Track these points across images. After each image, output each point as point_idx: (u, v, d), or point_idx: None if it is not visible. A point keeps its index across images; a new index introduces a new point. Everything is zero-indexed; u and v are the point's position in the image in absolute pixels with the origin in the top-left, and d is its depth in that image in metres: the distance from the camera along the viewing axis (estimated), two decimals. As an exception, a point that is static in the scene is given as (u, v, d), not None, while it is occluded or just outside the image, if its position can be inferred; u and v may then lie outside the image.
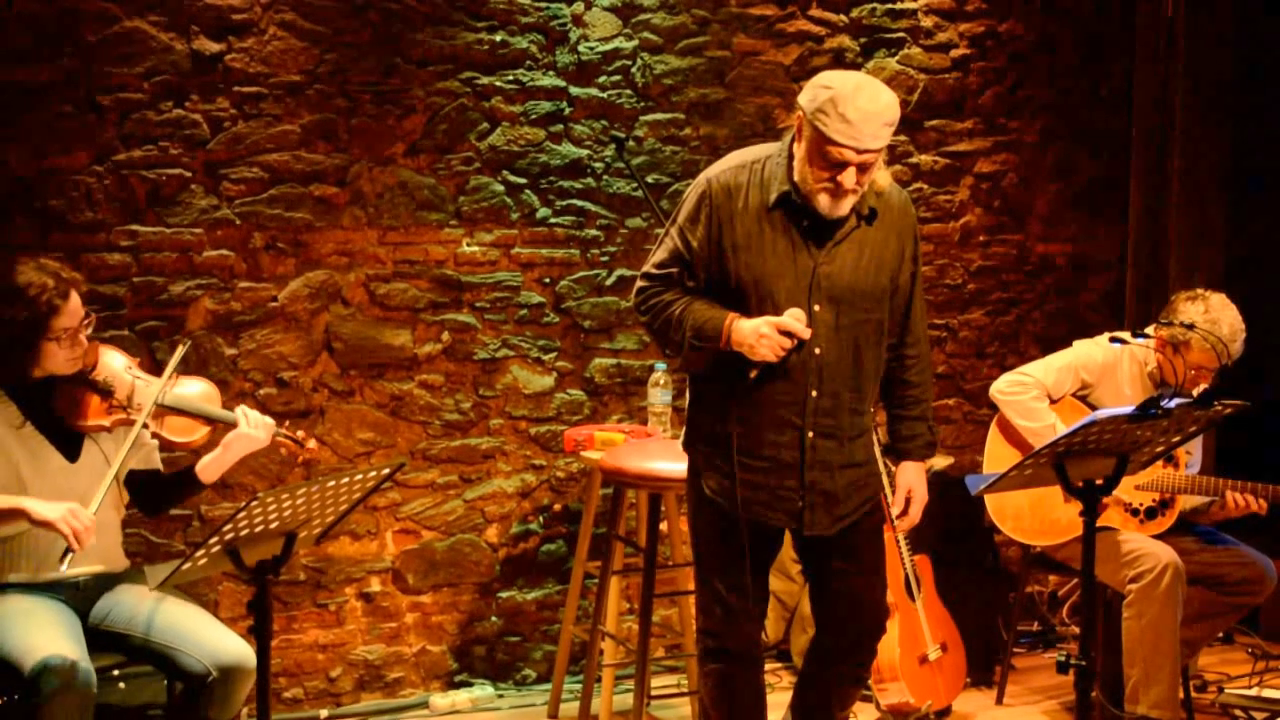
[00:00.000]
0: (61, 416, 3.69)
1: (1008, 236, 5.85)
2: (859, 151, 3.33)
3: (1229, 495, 4.50)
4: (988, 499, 4.75)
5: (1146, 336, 4.40)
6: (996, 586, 5.39)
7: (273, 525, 3.20)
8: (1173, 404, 3.40)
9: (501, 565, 5.10)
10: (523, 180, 5.00)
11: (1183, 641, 4.52)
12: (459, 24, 4.86)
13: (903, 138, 5.58)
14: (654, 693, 4.84)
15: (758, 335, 3.41)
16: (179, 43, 4.54)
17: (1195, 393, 4.50)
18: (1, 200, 4.40)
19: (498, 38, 4.91)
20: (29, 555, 3.66)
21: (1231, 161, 5.93)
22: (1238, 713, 4.93)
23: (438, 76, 4.85)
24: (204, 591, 4.66)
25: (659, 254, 3.59)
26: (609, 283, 5.15)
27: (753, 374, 3.46)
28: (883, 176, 3.51)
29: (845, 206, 3.44)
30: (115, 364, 3.77)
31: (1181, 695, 4.61)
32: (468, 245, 4.95)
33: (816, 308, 3.47)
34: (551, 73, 5.00)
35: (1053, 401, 4.66)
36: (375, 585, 4.93)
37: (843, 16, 5.44)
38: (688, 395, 3.72)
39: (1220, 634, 5.34)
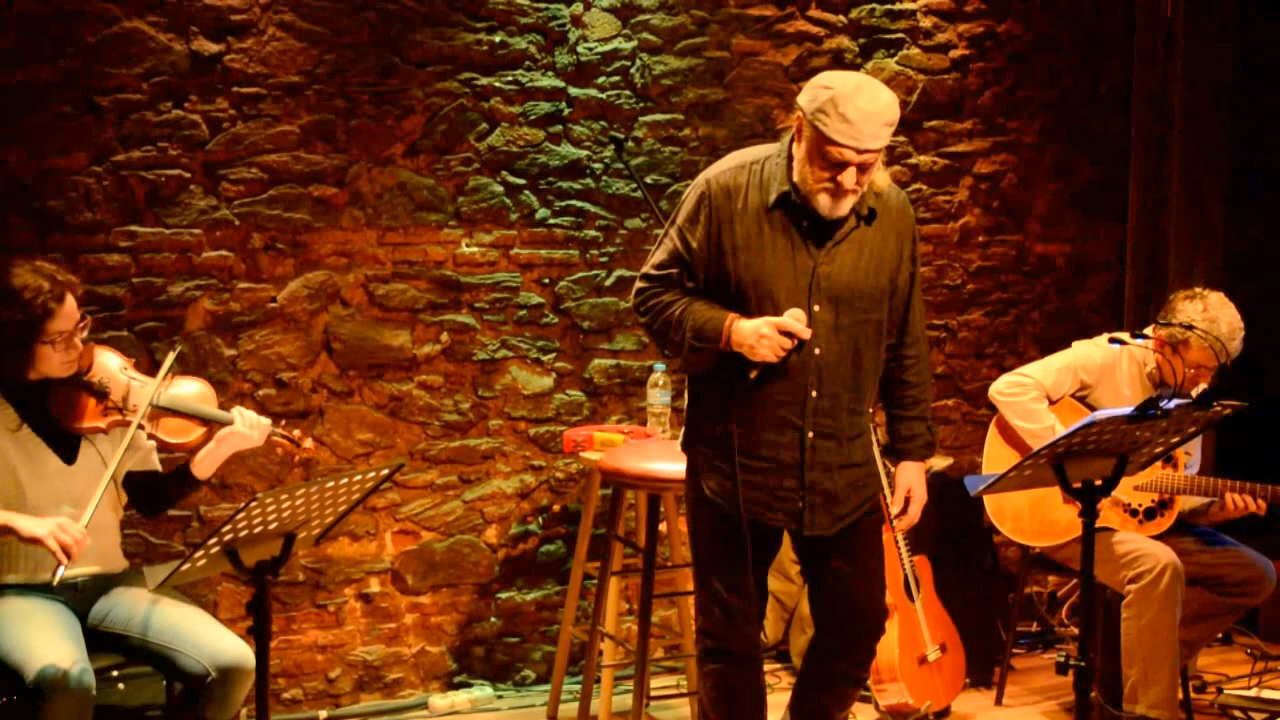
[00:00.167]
0: (58, 419, 3.68)
1: (1007, 237, 5.85)
2: (859, 151, 3.34)
3: (1228, 496, 4.50)
4: (987, 500, 4.75)
5: (1145, 337, 4.40)
6: (996, 587, 5.39)
7: (272, 526, 3.20)
8: (1172, 404, 3.40)
9: (501, 566, 5.10)
10: (522, 181, 5.00)
11: (1182, 642, 4.52)
12: (458, 24, 4.86)
13: (902, 138, 5.58)
14: (653, 693, 4.84)
15: (758, 336, 3.41)
16: (178, 43, 4.54)
17: (1194, 392, 4.50)
18: (0, 201, 4.39)
19: (497, 38, 4.91)
20: (27, 556, 3.66)
21: (1231, 161, 5.92)
22: (1236, 713, 4.93)
23: (437, 77, 4.85)
24: (203, 592, 4.66)
25: (658, 255, 3.59)
26: (608, 283, 5.15)
27: (753, 374, 3.47)
28: (881, 177, 3.52)
29: (845, 207, 3.45)
30: (111, 365, 3.77)
31: (1180, 696, 4.61)
32: (467, 246, 4.95)
33: (816, 308, 3.47)
34: (551, 73, 5.00)
35: (1052, 402, 4.66)
36: (374, 586, 4.93)
37: (841, 17, 5.44)
38: (687, 396, 3.72)
39: (1219, 635, 5.34)
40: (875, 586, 3.70)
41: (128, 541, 4.13)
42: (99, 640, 3.68)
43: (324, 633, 4.88)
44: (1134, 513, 4.64)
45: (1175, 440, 3.59)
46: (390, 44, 4.78)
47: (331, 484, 3.22)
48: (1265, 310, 5.01)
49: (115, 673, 3.76)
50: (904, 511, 3.75)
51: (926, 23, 5.59)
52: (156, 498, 3.90)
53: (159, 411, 3.75)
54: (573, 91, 5.04)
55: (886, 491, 3.86)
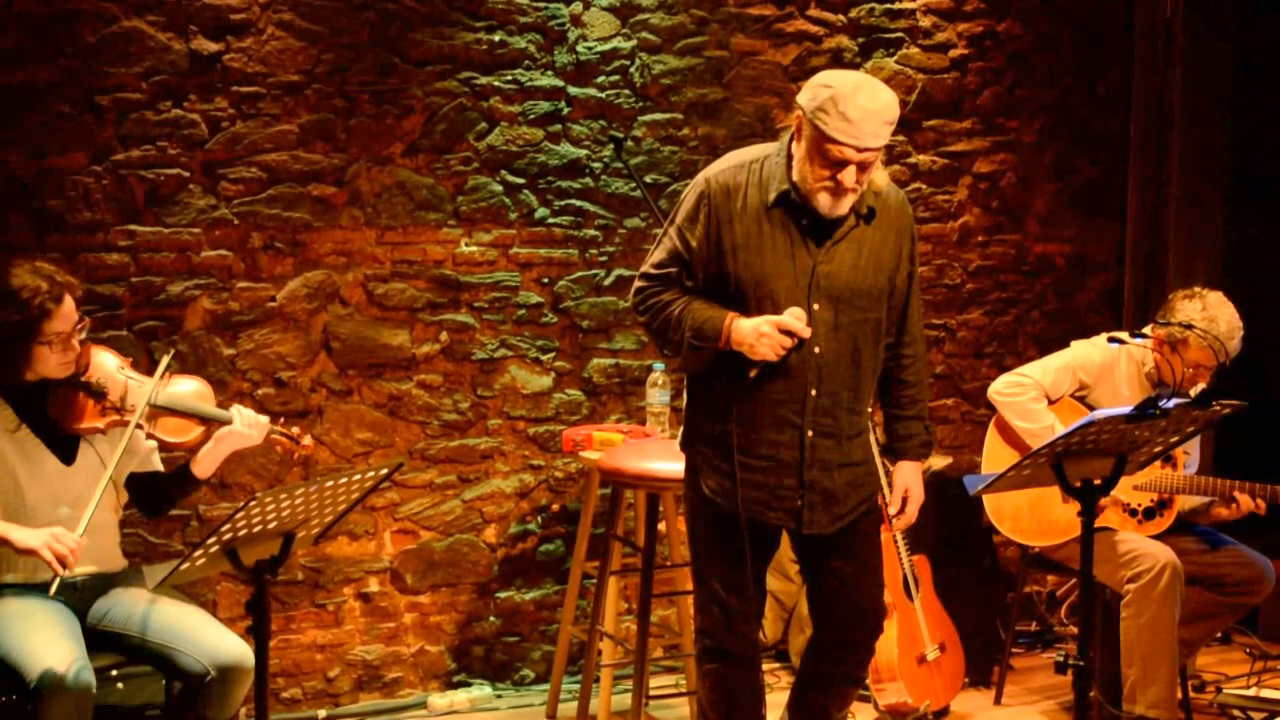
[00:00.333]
0: (56, 419, 3.68)
1: (1006, 236, 5.85)
2: (859, 150, 3.34)
3: (1239, 496, 4.50)
4: (986, 499, 4.75)
5: (1144, 336, 4.40)
6: (995, 586, 5.39)
7: (271, 525, 3.20)
8: (1171, 404, 3.40)
9: (500, 565, 5.10)
10: (521, 180, 5.00)
11: (1181, 641, 4.52)
12: (457, 24, 4.86)
13: (901, 138, 5.58)
14: (652, 693, 4.84)
15: (758, 334, 3.41)
16: (177, 42, 4.54)
17: (1193, 392, 4.50)
18: (-1, 200, 4.41)
19: (496, 37, 4.91)
20: (26, 557, 3.65)
21: (1230, 161, 5.93)
22: (1236, 713, 4.93)
23: (436, 76, 4.85)
24: (202, 591, 4.66)
25: (657, 254, 3.59)
26: (607, 283, 5.15)
27: (752, 373, 3.47)
28: (880, 176, 3.52)
29: (845, 205, 3.45)
30: (108, 365, 3.76)
31: (1179, 695, 4.61)
32: (466, 245, 4.95)
33: (816, 307, 3.47)
34: (550, 72, 5.00)
35: (1051, 402, 4.66)
36: (373, 585, 4.93)
37: (841, 16, 5.44)
38: (685, 395, 3.72)
39: (1218, 634, 5.34)
40: (874, 586, 3.71)
41: (127, 541, 4.13)
42: (98, 639, 3.68)
43: (323, 632, 4.88)
44: (1133, 512, 4.64)
45: (1174, 440, 3.59)
46: (390, 43, 4.77)
47: (330, 483, 3.22)
48: (1265, 310, 5.01)
49: (115, 672, 3.75)
50: (901, 511, 3.75)
51: (926, 22, 5.59)
52: (157, 498, 3.90)
53: (157, 411, 3.75)
54: (572, 91, 5.04)
55: (885, 491, 3.86)
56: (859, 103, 3.31)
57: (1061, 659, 3.60)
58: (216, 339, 4.67)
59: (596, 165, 5.10)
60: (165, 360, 3.78)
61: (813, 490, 3.55)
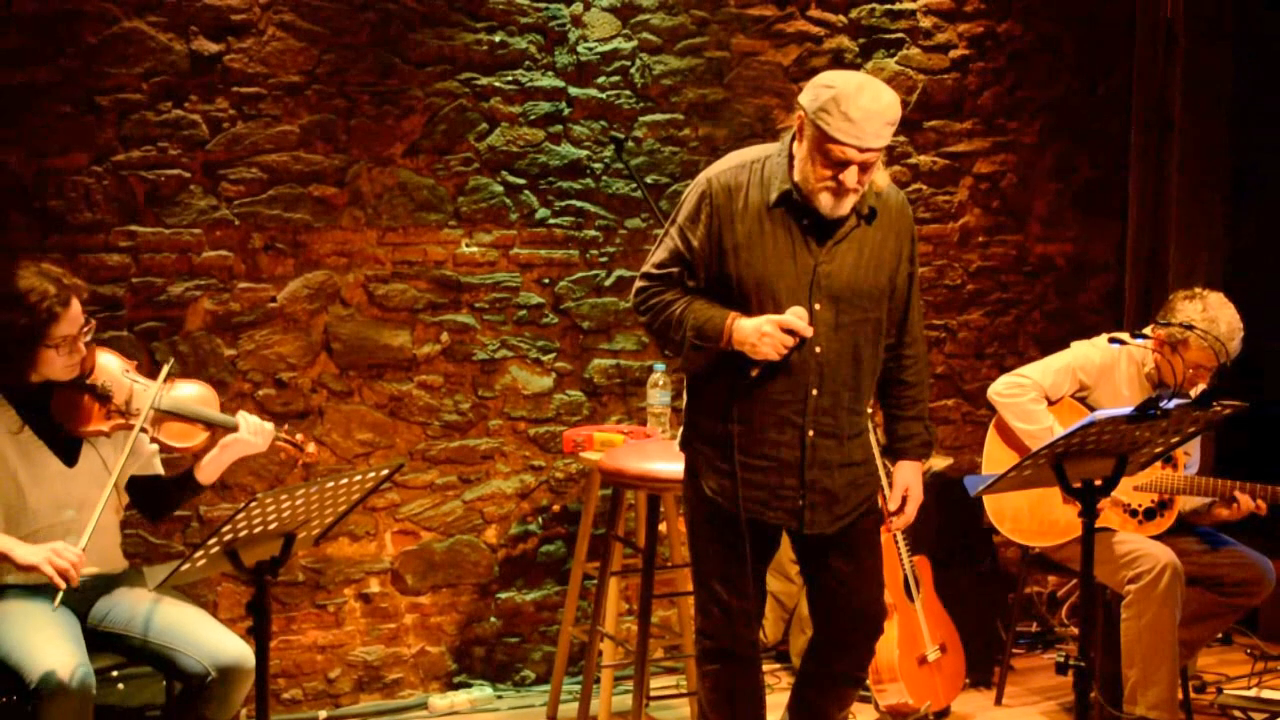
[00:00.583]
0: (60, 422, 3.67)
1: (1007, 237, 5.85)
2: (861, 150, 3.34)
3: (1240, 497, 4.50)
4: (986, 500, 4.75)
5: (1145, 337, 4.40)
6: (995, 587, 5.39)
7: (271, 526, 3.20)
8: (1171, 405, 3.40)
9: (500, 566, 5.10)
10: (522, 181, 5.00)
11: (1181, 642, 4.52)
12: (458, 24, 4.86)
13: (901, 138, 5.58)
14: (653, 693, 4.84)
15: (760, 334, 3.41)
16: (178, 43, 4.54)
17: (1194, 392, 4.50)
18: (0, 201, 4.39)
19: (497, 38, 4.91)
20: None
21: (1230, 161, 5.93)
22: (1236, 714, 4.93)
23: (437, 77, 4.85)
24: (203, 592, 4.66)
25: (659, 254, 3.59)
26: (608, 283, 5.15)
27: (754, 373, 3.47)
28: (881, 177, 3.52)
29: (846, 206, 3.45)
30: (113, 368, 3.76)
31: (1180, 696, 4.61)
32: (467, 246, 4.95)
33: (817, 306, 3.48)
34: (550, 73, 5.00)
35: (1051, 403, 4.66)
36: (374, 586, 4.93)
37: (841, 17, 5.44)
38: (685, 395, 3.72)
39: (1219, 635, 5.34)
40: (874, 586, 3.71)
41: (127, 541, 4.13)
42: (99, 640, 3.68)
43: (324, 633, 4.88)
44: (1133, 513, 4.64)
45: (1175, 441, 3.59)
46: (390, 44, 4.78)
47: (331, 484, 3.22)
48: (1265, 310, 5.01)
49: (115, 673, 3.76)
50: (901, 511, 3.75)
51: (926, 23, 5.59)
52: (160, 501, 3.90)
53: (162, 415, 3.74)
54: (573, 91, 5.04)
55: (886, 491, 3.86)
56: (861, 103, 3.31)
57: (1062, 660, 3.60)
58: (217, 340, 4.67)
59: (597, 166, 5.10)
60: (165, 370, 3.79)
61: (813, 490, 3.55)
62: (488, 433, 5.03)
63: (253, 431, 3.79)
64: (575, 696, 4.78)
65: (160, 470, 3.90)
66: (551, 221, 5.06)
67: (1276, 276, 5.89)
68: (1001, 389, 4.70)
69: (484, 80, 4.91)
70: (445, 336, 4.94)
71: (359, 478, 3.28)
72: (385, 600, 4.95)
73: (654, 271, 3.58)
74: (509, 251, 5.01)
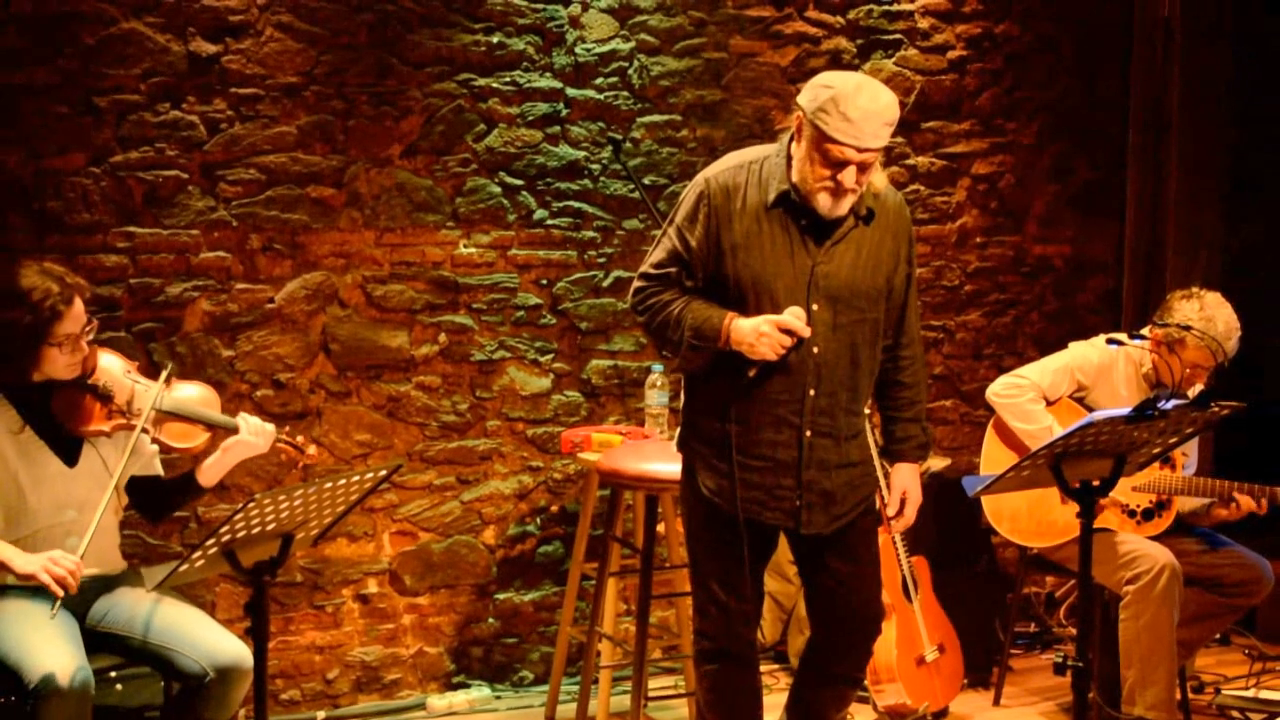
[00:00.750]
0: (61, 421, 3.67)
1: (1005, 238, 5.85)
2: (859, 150, 3.35)
3: (1235, 496, 4.50)
4: (985, 500, 4.75)
5: (1143, 338, 4.40)
6: (994, 588, 5.39)
7: (270, 527, 3.20)
8: (1169, 405, 3.40)
9: (499, 567, 5.10)
10: (520, 182, 5.00)
11: (1180, 643, 4.52)
12: (456, 25, 4.87)
13: (899, 139, 5.59)
14: (651, 694, 4.84)
15: (757, 334, 3.41)
16: (176, 44, 4.54)
17: (1191, 392, 4.51)
18: (-2, 202, 4.41)
19: (495, 39, 4.91)
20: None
21: (1229, 162, 5.93)
22: (1234, 714, 4.93)
23: (434, 78, 4.85)
24: (201, 593, 4.66)
25: (657, 254, 3.59)
26: (606, 284, 5.15)
27: (751, 373, 3.47)
28: (879, 178, 3.53)
29: (844, 206, 3.45)
30: (114, 369, 3.76)
31: (1178, 696, 4.61)
32: (465, 247, 4.95)
33: (815, 307, 3.48)
34: (549, 74, 5.00)
35: (1049, 403, 4.66)
36: (372, 587, 4.93)
37: (839, 18, 5.44)
38: (683, 395, 3.72)
39: (1217, 635, 5.34)
40: (872, 587, 3.71)
41: (126, 542, 4.13)
42: (97, 641, 3.68)
43: (322, 633, 4.88)
44: (1132, 513, 4.64)
45: (1173, 441, 3.59)
46: (388, 45, 4.78)
47: (329, 485, 3.22)
48: (1263, 311, 5.01)
49: (114, 673, 3.75)
50: (899, 513, 3.75)
51: (924, 24, 5.60)
52: (160, 502, 3.90)
53: (163, 415, 3.74)
54: (570, 92, 5.04)
55: (884, 492, 3.86)
56: (860, 103, 3.32)
57: (1060, 660, 3.60)
58: (215, 340, 4.67)
59: (595, 167, 5.10)
60: (166, 371, 3.79)
61: (810, 490, 3.55)
62: (486, 433, 5.03)
63: (254, 433, 3.80)
64: (573, 697, 4.78)
65: (160, 471, 3.91)
66: (549, 222, 5.06)
67: (1275, 276, 5.89)
68: (1000, 389, 4.70)
69: (482, 81, 4.91)
70: (443, 337, 4.94)
71: (357, 478, 3.28)
72: (383, 601, 4.95)
73: (652, 272, 3.58)
74: (507, 252, 5.01)
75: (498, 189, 4.97)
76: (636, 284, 3.61)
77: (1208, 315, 4.47)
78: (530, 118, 4.99)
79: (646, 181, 5.14)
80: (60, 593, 3.45)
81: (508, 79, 4.94)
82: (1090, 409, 4.59)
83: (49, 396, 3.67)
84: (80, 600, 3.72)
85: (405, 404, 4.91)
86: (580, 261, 5.11)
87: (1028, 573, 5.08)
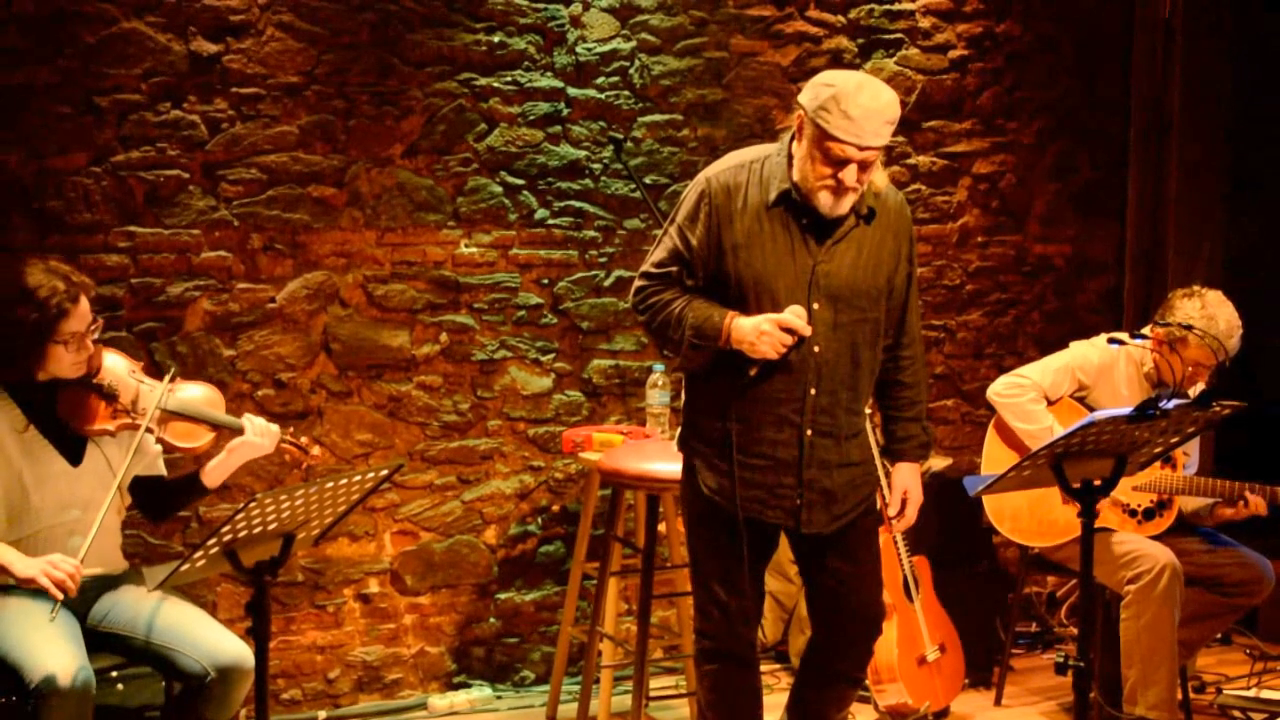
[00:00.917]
0: (66, 420, 3.68)
1: (1006, 237, 5.85)
2: (861, 148, 3.35)
3: (1240, 495, 4.50)
4: (986, 500, 4.75)
5: (1144, 337, 4.40)
6: (995, 587, 5.38)
7: (271, 527, 3.20)
8: (1171, 405, 3.40)
9: (500, 566, 5.10)
10: (521, 181, 5.00)
11: (1181, 642, 4.52)
12: (457, 25, 4.86)
13: (900, 139, 5.59)
14: (652, 694, 4.84)
15: (758, 332, 3.41)
16: (177, 44, 4.54)
17: (1192, 391, 4.51)
18: (-1, 201, 4.41)
19: (496, 39, 4.91)
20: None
21: (1230, 161, 5.93)
22: (1236, 714, 4.93)
23: (436, 77, 4.85)
24: (202, 593, 4.66)
25: (658, 253, 3.59)
26: (607, 284, 5.15)
27: (752, 371, 3.47)
28: (880, 178, 3.53)
29: (845, 205, 3.45)
30: (119, 368, 3.76)
31: (1180, 696, 4.61)
32: (466, 246, 4.95)
33: (815, 306, 3.48)
34: (550, 74, 5.00)
35: (1050, 403, 4.66)
36: (373, 586, 4.93)
37: (840, 17, 5.44)
38: (684, 394, 3.72)
39: (1218, 635, 5.34)
40: (872, 587, 3.71)
41: (127, 542, 4.13)
42: (98, 640, 3.68)
43: (323, 633, 4.88)
44: (1133, 513, 4.64)
45: (1174, 441, 3.59)
46: (389, 44, 4.78)
47: (330, 485, 3.22)
48: (1264, 310, 5.01)
49: (115, 673, 3.75)
50: (901, 513, 3.75)
51: (925, 23, 5.59)
52: (163, 503, 3.90)
53: (168, 415, 3.75)
54: (572, 92, 5.04)
55: (885, 492, 3.86)
56: (861, 101, 3.32)
57: (1061, 660, 3.60)
58: (216, 340, 4.67)
59: (596, 166, 5.10)
60: (171, 371, 3.79)
61: (811, 489, 3.55)
62: (487, 433, 5.03)
63: (258, 433, 3.80)
64: (574, 697, 4.77)
65: (164, 471, 3.91)
66: (550, 222, 5.06)
67: (1276, 276, 5.89)
68: (1001, 389, 4.70)
69: (483, 81, 4.91)
70: (444, 337, 4.94)
71: (358, 478, 3.28)
72: (384, 601, 4.95)
73: (653, 271, 3.58)
74: (508, 252, 5.01)
75: (499, 188, 4.97)
76: (637, 283, 3.61)
77: (1209, 314, 4.47)
78: (531, 117, 4.99)
79: (648, 181, 5.14)
80: (60, 596, 3.45)
81: (509, 78, 4.94)
82: (1091, 408, 4.59)
83: (54, 395, 3.67)
84: (81, 600, 3.72)
85: (406, 404, 4.91)
86: (581, 261, 5.11)
87: (1029, 572, 5.08)
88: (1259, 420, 4.24)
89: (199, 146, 4.60)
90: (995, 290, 5.86)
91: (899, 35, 5.55)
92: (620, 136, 5.08)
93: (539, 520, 5.14)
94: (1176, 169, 5.85)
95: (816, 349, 3.49)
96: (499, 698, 5.06)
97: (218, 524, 3.15)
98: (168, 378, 3.77)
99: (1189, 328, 4.42)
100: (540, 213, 5.04)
